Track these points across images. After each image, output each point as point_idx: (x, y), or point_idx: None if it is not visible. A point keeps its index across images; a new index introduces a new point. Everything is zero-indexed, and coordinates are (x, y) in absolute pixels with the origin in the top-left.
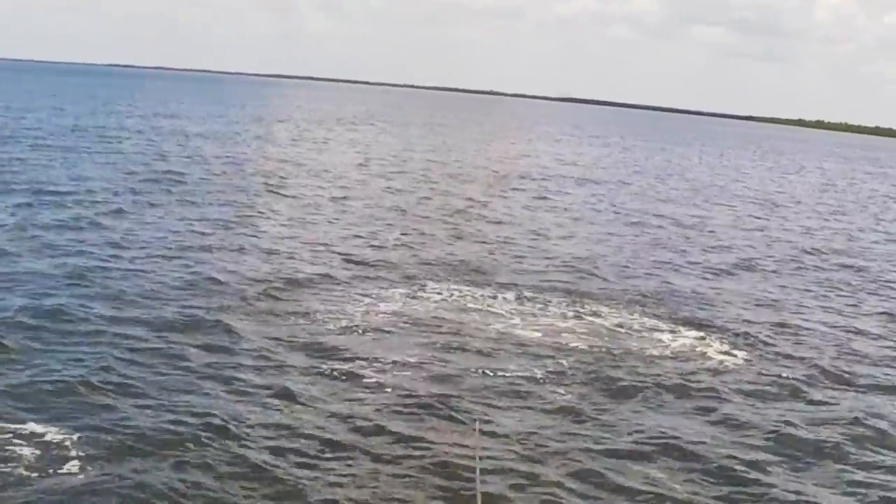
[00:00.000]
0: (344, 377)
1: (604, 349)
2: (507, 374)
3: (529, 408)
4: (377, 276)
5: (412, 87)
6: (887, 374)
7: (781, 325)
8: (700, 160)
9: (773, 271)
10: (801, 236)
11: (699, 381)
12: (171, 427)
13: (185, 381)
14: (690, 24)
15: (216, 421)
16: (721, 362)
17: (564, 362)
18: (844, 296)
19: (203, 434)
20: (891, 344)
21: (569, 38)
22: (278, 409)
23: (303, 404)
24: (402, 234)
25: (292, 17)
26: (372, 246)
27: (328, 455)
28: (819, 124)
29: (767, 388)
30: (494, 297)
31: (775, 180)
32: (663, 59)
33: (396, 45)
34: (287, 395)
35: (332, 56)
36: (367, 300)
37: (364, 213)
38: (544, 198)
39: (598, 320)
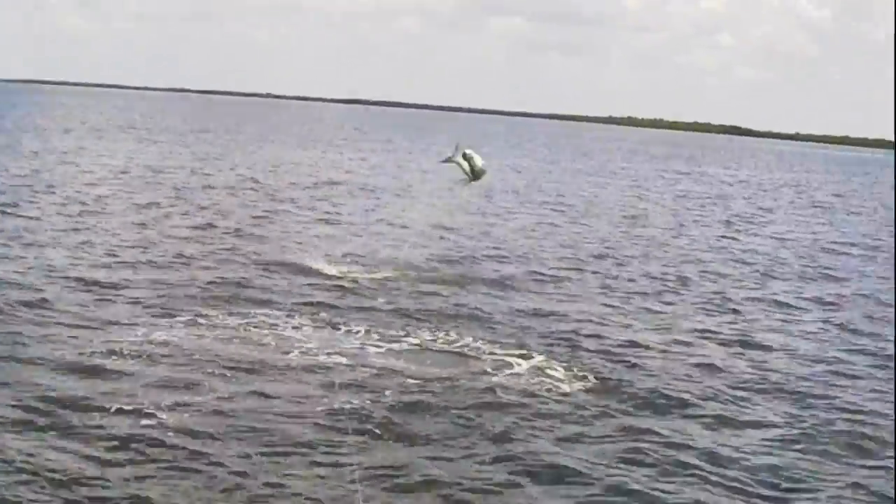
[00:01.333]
0: (114, 423)
1: (436, 377)
2: (317, 413)
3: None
4: (141, 303)
5: (181, 90)
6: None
7: (608, 341)
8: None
9: (581, 281)
10: (601, 243)
11: (551, 407)
12: None
13: None
14: (487, 15)
15: None
16: (566, 385)
17: (388, 392)
18: (656, 305)
19: None
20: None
21: (354, 33)
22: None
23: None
24: (162, 256)
25: (45, 15)
26: (131, 269)
27: None
28: (630, 121)
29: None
30: (283, 321)
31: (574, 183)
32: (459, 55)
33: (161, 45)
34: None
35: (90, 58)
36: (141, 329)
37: (116, 232)
38: (319, 210)
39: (413, 341)
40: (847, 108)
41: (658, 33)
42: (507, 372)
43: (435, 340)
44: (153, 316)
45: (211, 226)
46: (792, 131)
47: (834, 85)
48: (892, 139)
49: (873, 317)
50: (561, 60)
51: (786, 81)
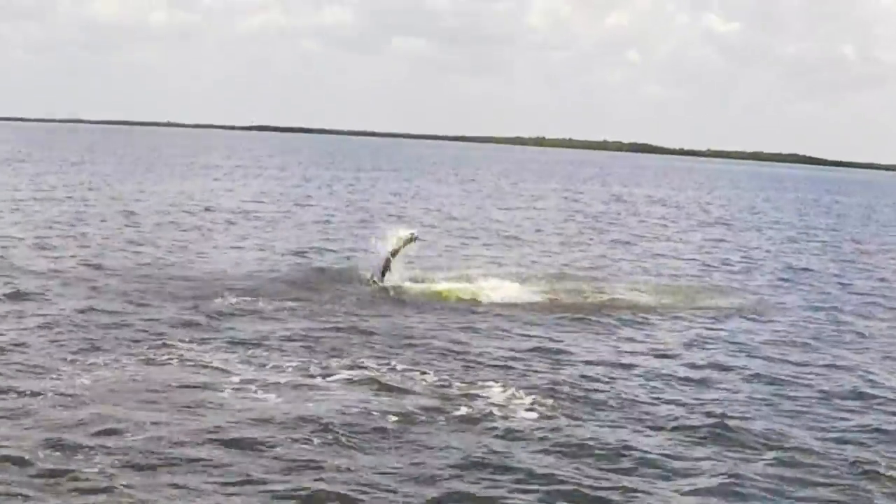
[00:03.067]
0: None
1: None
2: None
3: None
4: (68, 342)
5: (77, 121)
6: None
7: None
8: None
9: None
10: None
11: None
12: None
13: None
14: (390, 36)
15: None
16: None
17: (343, 437)
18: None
19: None
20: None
21: (253, 57)
22: None
23: None
24: (54, 294)
25: None
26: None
27: None
28: (540, 141)
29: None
30: (205, 355)
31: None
32: (363, 77)
33: (57, 75)
34: None
35: None
36: (72, 367)
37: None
38: (211, 236)
39: (356, 373)
40: (759, 123)
41: (564, 51)
42: (472, 400)
43: (376, 369)
44: (68, 360)
45: (99, 262)
46: (704, 148)
47: (744, 100)
48: (805, 153)
49: None
50: (468, 81)
51: (695, 97)
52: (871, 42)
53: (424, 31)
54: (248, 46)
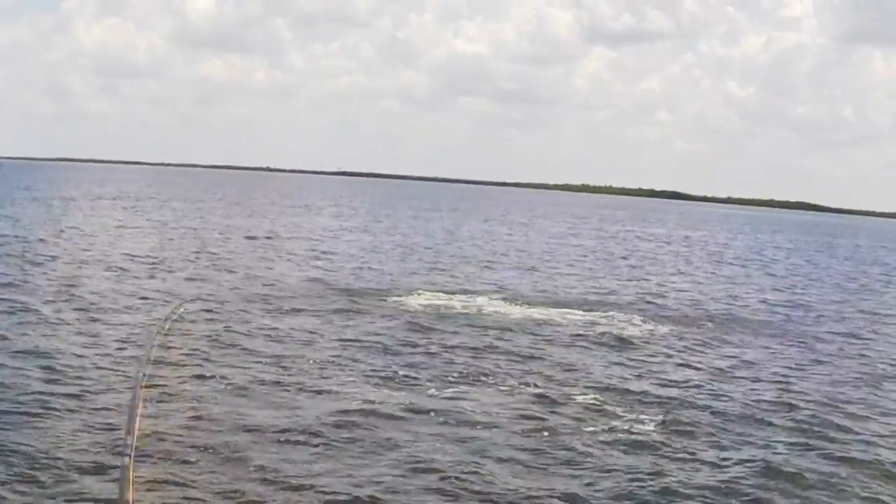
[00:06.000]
0: None
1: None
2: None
3: None
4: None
5: (190, 165)
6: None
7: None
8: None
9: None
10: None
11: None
12: None
13: None
14: (456, 96)
15: None
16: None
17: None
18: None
19: None
20: None
21: (340, 113)
22: None
23: None
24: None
25: (72, 101)
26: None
27: None
28: (584, 188)
29: None
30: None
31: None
32: (432, 131)
33: (173, 125)
34: None
35: (111, 137)
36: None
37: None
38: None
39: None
40: (771, 175)
41: (604, 111)
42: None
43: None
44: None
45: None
46: (724, 196)
47: (759, 154)
48: (811, 202)
49: None
50: (521, 134)
51: (717, 152)
52: (866, 105)
53: (485, 92)
54: (336, 104)
